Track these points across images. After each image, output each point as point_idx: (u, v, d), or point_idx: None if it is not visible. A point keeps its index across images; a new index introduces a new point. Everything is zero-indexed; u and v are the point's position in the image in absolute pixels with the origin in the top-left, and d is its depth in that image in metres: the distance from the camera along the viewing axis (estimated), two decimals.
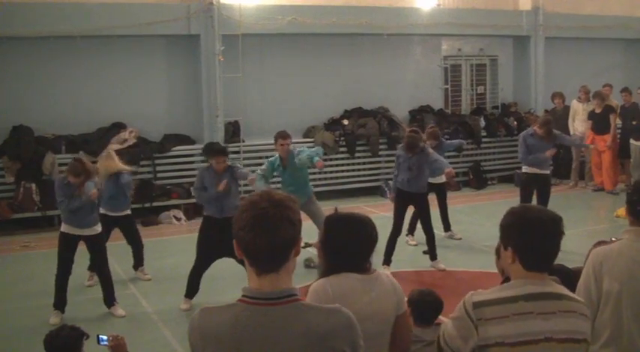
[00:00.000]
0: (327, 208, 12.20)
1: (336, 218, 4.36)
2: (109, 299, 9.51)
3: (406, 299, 4.63)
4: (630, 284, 4.29)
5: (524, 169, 12.05)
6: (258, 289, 2.91)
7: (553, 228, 3.54)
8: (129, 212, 11.00)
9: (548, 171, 12.05)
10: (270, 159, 11.54)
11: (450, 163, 12.95)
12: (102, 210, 10.15)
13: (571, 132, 17.27)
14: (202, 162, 16.08)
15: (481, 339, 3.43)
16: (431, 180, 11.74)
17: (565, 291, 3.61)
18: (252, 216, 2.86)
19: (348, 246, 4.20)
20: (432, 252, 11.13)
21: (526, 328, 3.40)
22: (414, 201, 11.11)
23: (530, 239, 3.53)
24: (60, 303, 9.29)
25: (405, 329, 4.27)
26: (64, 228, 9.45)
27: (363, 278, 4.18)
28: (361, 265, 4.23)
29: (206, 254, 9.70)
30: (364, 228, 4.29)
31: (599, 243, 4.86)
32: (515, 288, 3.53)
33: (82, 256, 9.75)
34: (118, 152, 14.82)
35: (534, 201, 11.48)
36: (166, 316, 9.31)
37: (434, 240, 11.12)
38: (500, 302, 3.47)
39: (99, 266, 9.67)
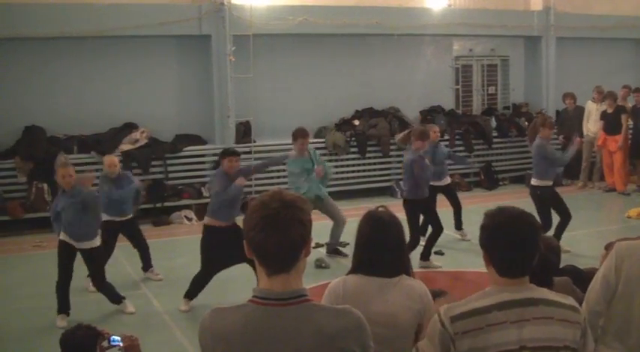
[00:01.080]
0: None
1: (365, 216, 4.37)
2: (115, 300, 9.56)
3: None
4: None
5: (546, 183, 11.61)
6: (268, 289, 2.91)
7: (525, 235, 3.43)
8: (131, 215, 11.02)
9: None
10: (291, 159, 11.72)
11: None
12: (106, 217, 10.15)
13: (584, 133, 17.24)
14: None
15: None
16: (434, 182, 11.78)
17: (546, 296, 3.48)
18: (262, 217, 2.86)
19: (370, 247, 4.19)
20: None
21: (501, 338, 3.33)
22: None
23: (499, 244, 3.45)
24: (64, 307, 9.21)
25: None
26: (62, 236, 9.21)
27: (381, 281, 4.16)
28: (384, 267, 4.21)
29: (213, 263, 9.58)
30: (386, 230, 4.28)
31: (611, 245, 4.85)
32: (489, 297, 3.44)
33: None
34: (129, 152, 14.99)
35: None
36: (178, 316, 9.34)
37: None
38: (475, 313, 3.38)
39: (96, 280, 9.50)
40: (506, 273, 3.45)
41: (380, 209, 4.47)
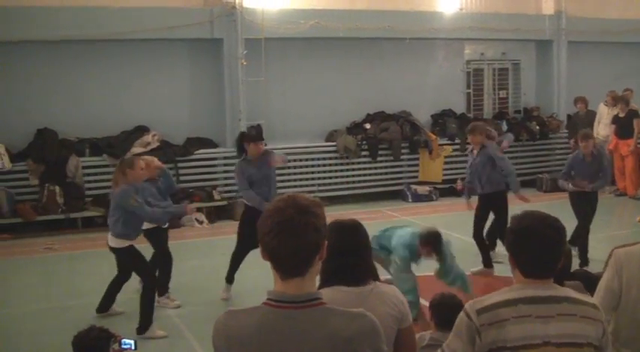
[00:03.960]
0: (348, 212, 12.26)
1: (329, 225, 4.21)
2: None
3: (428, 304, 4.58)
4: None
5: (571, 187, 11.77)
6: (283, 292, 2.94)
7: (550, 237, 3.48)
8: None
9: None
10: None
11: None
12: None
13: (594, 135, 17.16)
14: (225, 165, 16.18)
15: (484, 344, 3.41)
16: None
17: (569, 294, 3.54)
18: (277, 222, 2.88)
19: (335, 254, 3.94)
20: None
21: (526, 332, 3.38)
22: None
23: (525, 247, 3.50)
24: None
25: (409, 341, 4.19)
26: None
27: (356, 290, 4.05)
28: (350, 273, 4.10)
29: (246, 239, 9.93)
30: (349, 235, 4.19)
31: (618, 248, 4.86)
32: (514, 291, 3.49)
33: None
34: (141, 155, 15.00)
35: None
36: (189, 319, 9.33)
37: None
38: (501, 305, 3.44)
39: None
40: (531, 275, 3.51)
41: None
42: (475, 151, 11.27)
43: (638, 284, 4.32)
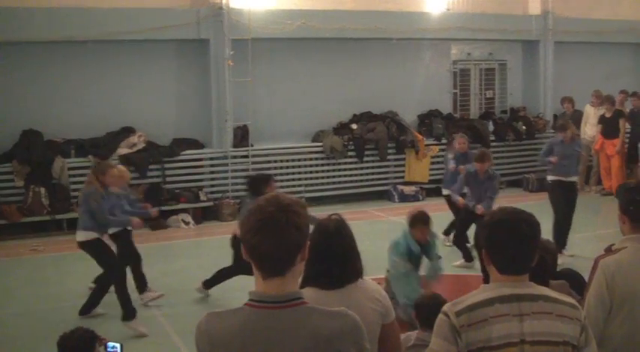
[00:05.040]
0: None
1: (315, 226, 4.16)
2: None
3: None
4: None
5: (549, 178, 12.14)
6: (264, 292, 2.93)
7: (524, 232, 3.45)
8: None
9: (574, 179, 12.17)
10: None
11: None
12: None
13: (581, 136, 17.23)
14: (212, 166, 16.12)
15: (464, 345, 3.38)
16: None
17: (546, 293, 3.51)
18: (257, 220, 2.87)
19: (316, 258, 3.90)
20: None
21: (504, 330, 3.36)
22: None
23: (498, 241, 3.47)
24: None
25: (393, 337, 4.19)
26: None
27: (334, 290, 4.04)
28: (330, 278, 4.08)
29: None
30: (330, 240, 4.14)
31: (609, 249, 4.83)
32: (490, 291, 3.47)
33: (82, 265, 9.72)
34: (127, 156, 14.96)
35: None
36: (174, 320, 9.31)
37: None
38: (478, 306, 3.41)
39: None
40: (506, 270, 3.48)
41: (333, 216, 4.32)
42: (481, 174, 12.27)
43: (633, 295, 4.30)
